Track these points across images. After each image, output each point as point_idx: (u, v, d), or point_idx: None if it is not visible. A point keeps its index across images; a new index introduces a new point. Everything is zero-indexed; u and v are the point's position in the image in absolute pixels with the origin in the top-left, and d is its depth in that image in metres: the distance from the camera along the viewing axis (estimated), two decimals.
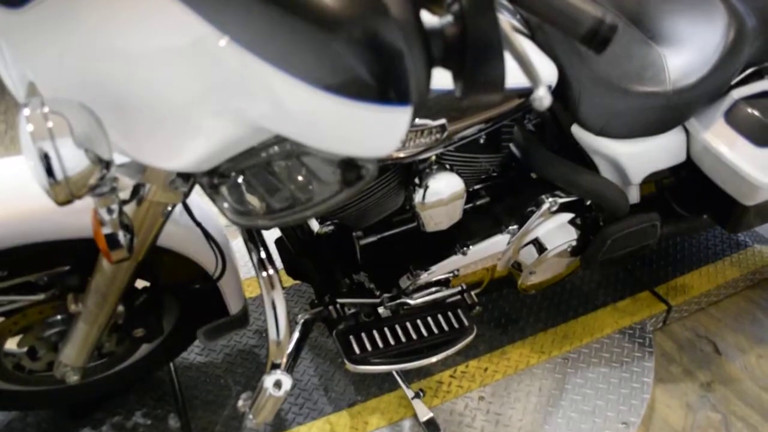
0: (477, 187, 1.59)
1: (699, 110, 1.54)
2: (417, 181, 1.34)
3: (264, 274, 1.14)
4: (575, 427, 1.60)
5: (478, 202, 1.59)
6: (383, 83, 0.64)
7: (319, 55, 0.63)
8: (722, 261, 2.14)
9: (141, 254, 1.14)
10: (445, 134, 1.15)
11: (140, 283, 1.36)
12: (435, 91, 1.12)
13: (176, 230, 1.27)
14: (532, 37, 1.36)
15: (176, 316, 1.51)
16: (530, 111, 1.42)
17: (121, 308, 1.32)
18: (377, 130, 0.68)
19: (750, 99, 1.51)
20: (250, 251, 1.16)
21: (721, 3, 1.47)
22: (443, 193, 1.33)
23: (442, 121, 1.12)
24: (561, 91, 1.40)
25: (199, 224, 1.22)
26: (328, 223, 1.44)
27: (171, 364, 1.70)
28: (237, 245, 1.64)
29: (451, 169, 1.36)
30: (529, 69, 0.76)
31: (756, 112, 1.48)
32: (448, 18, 0.67)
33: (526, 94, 1.31)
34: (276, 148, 0.80)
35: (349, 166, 0.79)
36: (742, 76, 1.60)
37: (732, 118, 1.50)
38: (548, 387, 1.69)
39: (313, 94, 0.65)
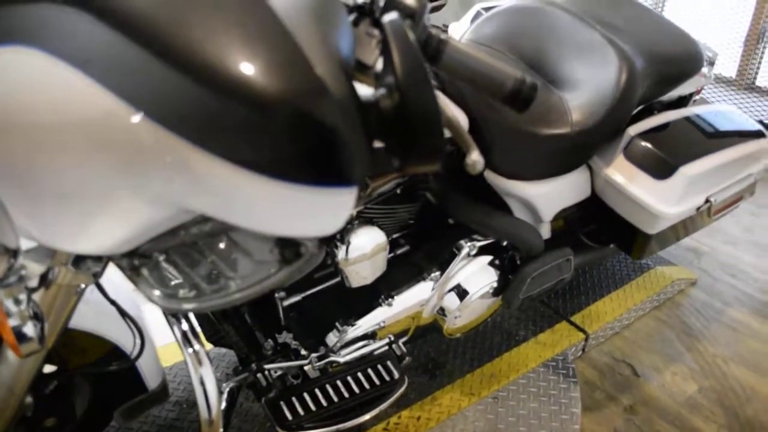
0: (396, 236, 1.59)
1: (600, 148, 1.62)
2: (339, 237, 1.33)
3: (190, 350, 1.08)
4: None
5: (399, 252, 1.59)
6: (326, 165, 0.61)
7: (251, 136, 0.60)
8: (629, 285, 2.24)
9: (51, 341, 1.06)
10: (368, 191, 1.15)
11: (48, 367, 1.26)
12: None
13: (88, 309, 1.19)
14: (443, 88, 1.39)
15: (89, 398, 1.41)
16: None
17: (29, 399, 1.21)
18: (321, 212, 0.64)
19: (645, 134, 1.60)
20: (171, 325, 1.10)
21: (611, 47, 1.56)
22: (366, 247, 1.32)
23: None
24: (472, 138, 1.43)
25: (113, 302, 1.15)
26: None
27: None
28: (149, 309, 1.55)
29: (372, 222, 1.36)
30: (461, 134, 0.77)
31: (651, 147, 1.57)
32: (382, 90, 0.65)
33: None
34: (203, 226, 0.76)
35: (287, 244, 0.76)
36: (635, 112, 1.71)
37: (630, 153, 1.59)
38: (482, 429, 1.69)
39: (246, 177, 0.61)
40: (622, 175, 1.58)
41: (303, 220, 0.64)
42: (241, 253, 0.77)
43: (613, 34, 1.62)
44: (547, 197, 1.57)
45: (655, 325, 2.18)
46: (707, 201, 1.63)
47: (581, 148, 1.51)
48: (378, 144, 0.69)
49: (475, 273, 1.61)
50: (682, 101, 1.90)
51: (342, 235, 1.32)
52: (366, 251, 1.33)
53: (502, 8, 1.72)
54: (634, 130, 1.60)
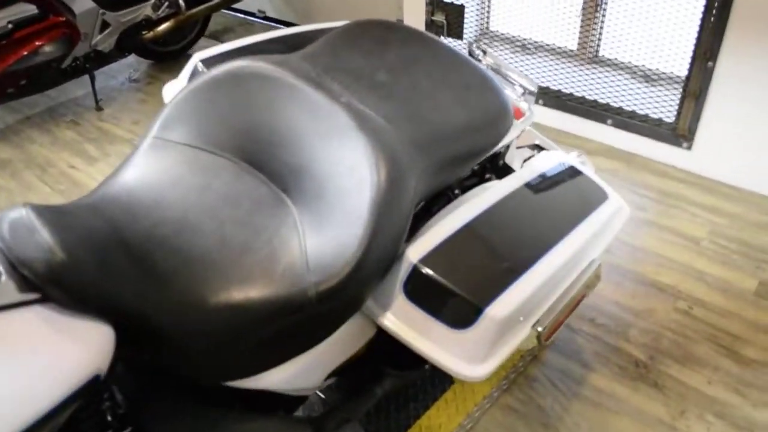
0: None
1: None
2: None
3: None
4: None
5: None
6: None
7: None
8: None
9: None
10: None
11: None
12: None
13: None
14: (43, 299, 0.78)
15: None
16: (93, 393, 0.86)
17: None
18: None
19: (431, 258, 1.08)
20: None
21: (362, 135, 1.01)
22: None
23: None
24: (142, 344, 0.86)
25: None
26: None
27: None
28: None
29: None
30: None
31: (441, 279, 1.05)
32: None
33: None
34: None
35: None
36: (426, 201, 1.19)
37: (413, 291, 1.06)
38: None
39: None
40: (405, 325, 1.07)
41: None
42: None
43: (368, 105, 1.08)
44: (296, 378, 1.04)
45: (504, 418, 1.73)
46: (534, 329, 1.15)
47: (332, 314, 0.97)
48: None
49: None
50: (497, 158, 1.40)
51: None
52: None
53: (209, 77, 1.13)
54: (415, 252, 1.07)
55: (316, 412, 1.36)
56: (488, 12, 3.33)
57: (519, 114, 1.41)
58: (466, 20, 3.25)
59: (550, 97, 3.02)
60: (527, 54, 3.24)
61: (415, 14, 3.30)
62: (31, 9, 2.93)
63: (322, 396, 1.40)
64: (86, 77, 3.37)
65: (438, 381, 1.75)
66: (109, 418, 0.97)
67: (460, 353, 1.05)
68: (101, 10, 3.20)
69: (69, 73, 3.28)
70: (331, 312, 0.96)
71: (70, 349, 0.74)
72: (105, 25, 3.28)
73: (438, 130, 1.10)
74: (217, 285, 0.89)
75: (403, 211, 1.02)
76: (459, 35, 3.22)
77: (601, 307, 2.08)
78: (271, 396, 1.11)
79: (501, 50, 3.27)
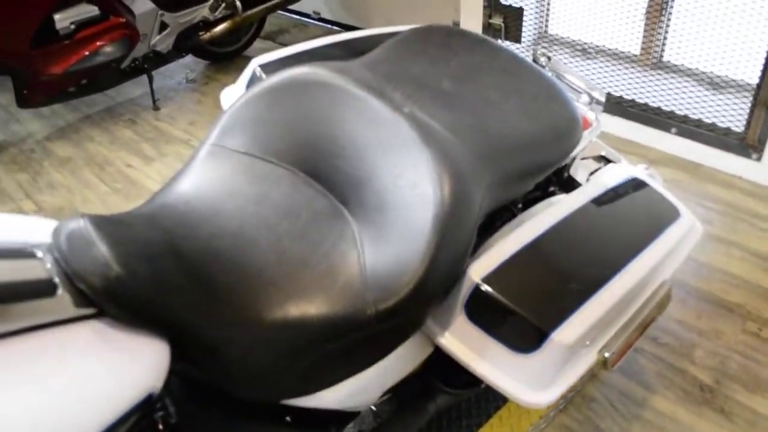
0: None
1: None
2: None
3: None
4: None
5: None
6: None
7: None
8: None
9: None
10: None
11: None
12: None
13: None
14: (99, 313, 0.76)
15: None
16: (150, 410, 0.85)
17: None
18: None
19: (494, 277, 1.03)
20: None
21: (426, 147, 0.97)
22: None
23: None
24: (197, 360, 0.84)
25: None
26: None
27: None
28: None
29: None
30: None
31: (505, 300, 1.00)
32: None
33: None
34: None
35: None
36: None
37: (474, 311, 1.02)
38: None
39: None
40: (465, 346, 1.02)
41: None
42: None
43: (432, 115, 1.03)
44: (352, 397, 1.01)
45: None
46: (600, 354, 1.09)
47: (390, 333, 0.94)
48: None
49: None
50: (562, 171, 1.34)
51: None
52: None
53: (268, 84, 1.10)
54: (478, 270, 1.03)
55: (367, 426, 1.33)
56: (547, 15, 3.24)
57: (586, 124, 1.35)
58: (524, 23, 3.18)
59: (611, 104, 2.92)
60: (587, 58, 3.15)
61: (472, 17, 3.24)
62: (93, 10, 2.97)
63: (374, 409, 1.36)
64: (144, 77, 3.42)
65: (492, 398, 1.69)
66: (161, 427, 0.95)
67: (523, 378, 1.00)
68: (160, 11, 3.24)
69: (128, 73, 3.33)
70: (390, 331, 0.92)
71: (126, 369, 0.72)
72: (163, 26, 3.32)
73: (505, 143, 1.05)
74: (273, 301, 0.86)
75: (468, 227, 0.97)
76: (517, 39, 3.15)
77: (665, 326, 1.99)
78: (323, 411, 1.08)
79: (560, 54, 3.19)
